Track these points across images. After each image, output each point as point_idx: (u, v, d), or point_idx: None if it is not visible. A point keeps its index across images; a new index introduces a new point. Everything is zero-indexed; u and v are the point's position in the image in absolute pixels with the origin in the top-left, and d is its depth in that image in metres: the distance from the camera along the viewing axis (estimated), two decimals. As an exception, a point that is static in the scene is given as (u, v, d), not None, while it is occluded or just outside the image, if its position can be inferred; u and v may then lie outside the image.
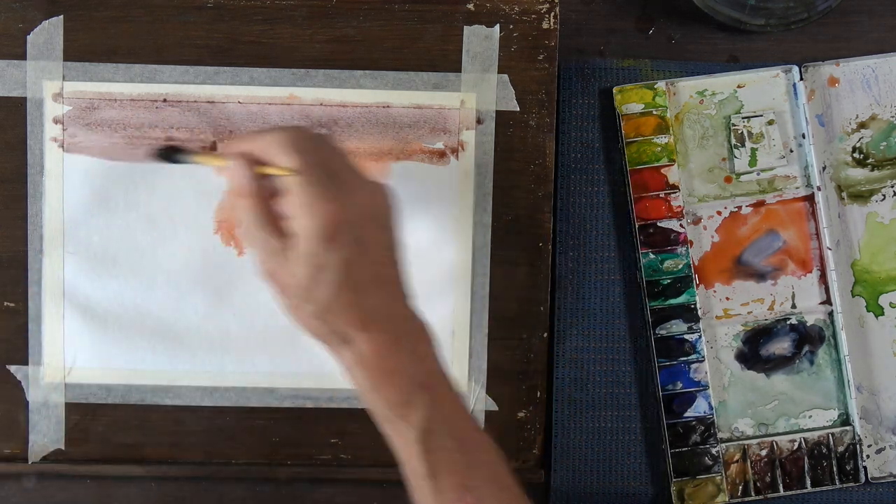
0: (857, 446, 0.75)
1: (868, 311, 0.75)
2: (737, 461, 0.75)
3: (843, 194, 0.75)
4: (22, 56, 0.72)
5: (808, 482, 0.74)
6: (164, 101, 0.72)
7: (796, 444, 0.75)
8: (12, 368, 0.73)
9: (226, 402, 0.74)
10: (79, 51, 0.72)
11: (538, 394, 0.75)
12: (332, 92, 0.73)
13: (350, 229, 0.59)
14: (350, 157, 0.62)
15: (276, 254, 0.60)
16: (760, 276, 0.75)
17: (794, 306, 0.76)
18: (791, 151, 0.75)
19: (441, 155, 0.73)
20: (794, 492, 0.75)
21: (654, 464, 0.75)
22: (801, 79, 0.75)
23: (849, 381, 0.75)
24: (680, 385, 0.75)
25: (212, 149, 0.73)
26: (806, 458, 0.75)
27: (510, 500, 0.61)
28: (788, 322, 0.76)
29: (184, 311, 0.74)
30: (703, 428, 0.74)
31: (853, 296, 0.75)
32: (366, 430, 0.74)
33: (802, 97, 0.74)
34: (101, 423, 0.74)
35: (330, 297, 0.60)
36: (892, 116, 0.75)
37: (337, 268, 0.59)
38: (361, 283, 0.60)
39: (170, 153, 0.66)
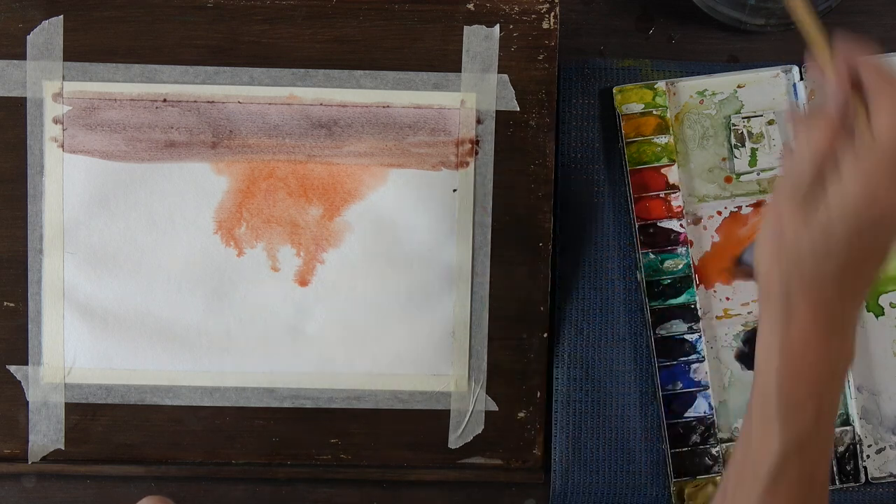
0: (857, 446, 0.75)
1: (868, 311, 0.75)
2: (737, 461, 0.75)
3: (843, 194, 0.75)
4: (22, 56, 0.72)
5: (808, 482, 0.74)
6: (164, 101, 0.72)
7: (796, 444, 0.75)
8: (12, 368, 0.73)
9: (226, 402, 0.74)
10: (79, 51, 0.72)
11: (538, 394, 0.75)
12: (332, 92, 0.73)
13: (892, 225, 0.53)
14: None
15: (801, 202, 0.54)
16: (760, 276, 0.75)
17: (794, 306, 0.75)
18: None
19: (442, 163, 0.73)
20: (794, 492, 0.75)
21: (654, 464, 0.75)
22: (801, 79, 0.75)
23: (849, 382, 0.74)
24: (680, 385, 0.75)
25: (212, 147, 0.73)
26: (806, 458, 0.75)
27: None
28: (788, 322, 0.75)
29: (184, 311, 0.74)
30: (703, 428, 0.74)
31: (853, 296, 0.75)
32: (366, 430, 0.74)
33: (802, 97, 0.74)
34: (101, 423, 0.74)
35: (815, 270, 0.54)
36: (892, 116, 0.75)
37: (847, 254, 0.53)
38: (846, 279, 0.54)
39: None
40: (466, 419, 0.75)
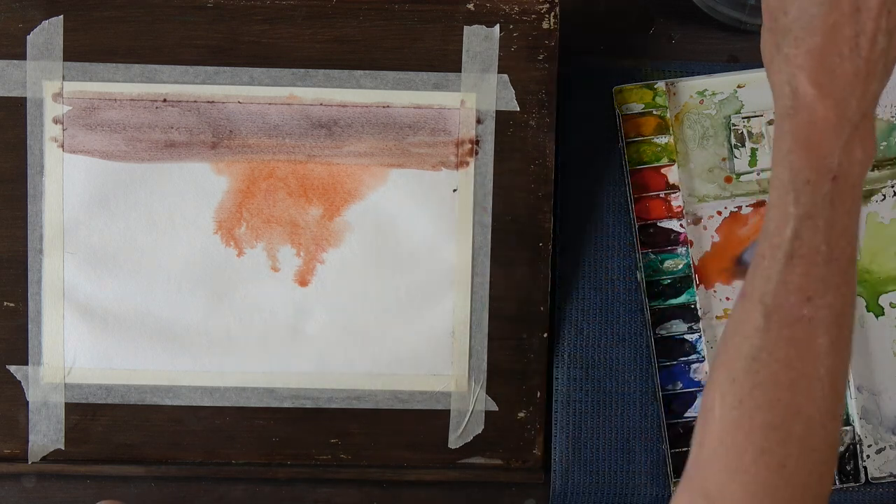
0: (857, 446, 0.75)
1: (868, 311, 0.75)
2: (737, 461, 0.75)
3: (843, 194, 0.75)
4: (22, 56, 0.72)
5: (808, 482, 0.74)
6: (164, 101, 0.72)
7: (796, 444, 0.75)
8: (12, 368, 0.73)
9: (226, 402, 0.74)
10: (79, 51, 0.72)
11: (538, 394, 0.75)
12: (332, 92, 0.73)
13: None
14: None
15: None
16: (760, 276, 0.75)
17: (794, 306, 0.75)
18: (791, 151, 0.75)
19: (442, 163, 0.73)
20: (794, 492, 0.75)
21: (654, 464, 0.75)
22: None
23: (849, 381, 0.74)
24: (680, 385, 0.75)
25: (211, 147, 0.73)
26: (806, 458, 0.75)
27: (840, 337, 0.58)
28: (788, 322, 0.75)
29: (184, 311, 0.74)
30: (703, 428, 0.74)
31: (853, 296, 0.75)
32: (366, 430, 0.74)
33: (802, 97, 0.74)
34: (101, 423, 0.74)
35: (802, 26, 0.56)
36: (892, 116, 0.75)
37: (818, 6, 0.56)
38: (839, 39, 0.56)
39: None
40: (466, 419, 0.75)
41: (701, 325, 0.75)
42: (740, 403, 0.57)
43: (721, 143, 0.75)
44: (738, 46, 0.76)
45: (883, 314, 0.75)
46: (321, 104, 0.73)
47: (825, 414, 0.57)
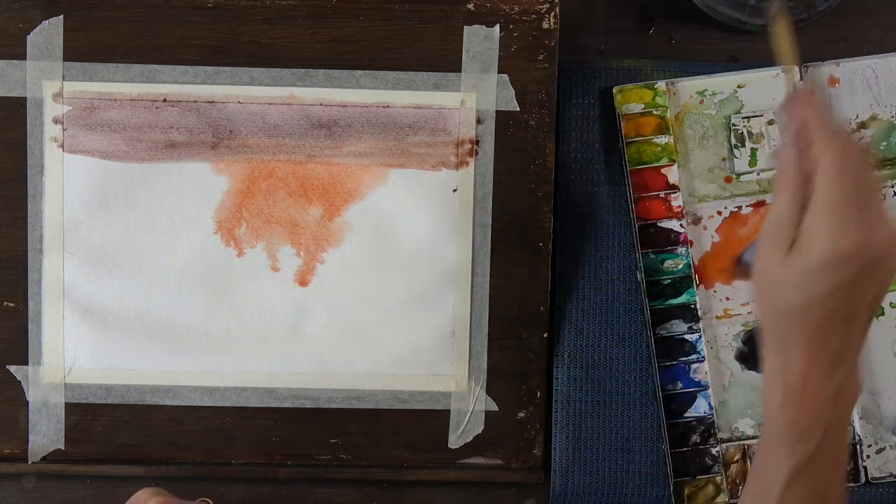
0: (858, 446, 0.75)
1: (868, 311, 0.75)
2: (737, 461, 0.75)
3: (843, 194, 0.75)
4: (22, 56, 0.72)
5: (808, 482, 0.74)
6: (164, 101, 0.72)
7: (796, 444, 0.75)
8: (12, 368, 0.73)
9: (226, 402, 0.74)
10: (79, 51, 0.72)
11: (538, 394, 0.75)
12: (332, 92, 0.73)
13: (857, 269, 0.57)
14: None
15: (779, 237, 0.58)
16: (760, 276, 0.75)
17: (794, 306, 0.75)
18: (791, 151, 0.75)
19: (442, 163, 0.73)
20: (794, 492, 0.75)
21: (654, 464, 0.75)
22: (801, 79, 0.75)
23: (849, 381, 0.74)
24: (680, 385, 0.75)
25: (212, 148, 0.73)
26: (806, 458, 0.75)
27: None
28: (788, 322, 0.75)
29: (184, 311, 0.74)
30: (703, 428, 0.74)
31: (853, 296, 0.75)
32: (366, 430, 0.74)
33: (802, 97, 0.74)
34: (101, 423, 0.74)
35: (801, 307, 0.57)
36: (893, 116, 0.75)
37: (825, 291, 0.57)
38: (835, 314, 0.58)
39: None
40: (466, 419, 0.75)
41: (701, 325, 0.75)
42: None
43: (721, 143, 0.75)
44: (738, 46, 0.76)
45: (883, 314, 0.75)
46: (321, 104, 0.73)
47: None
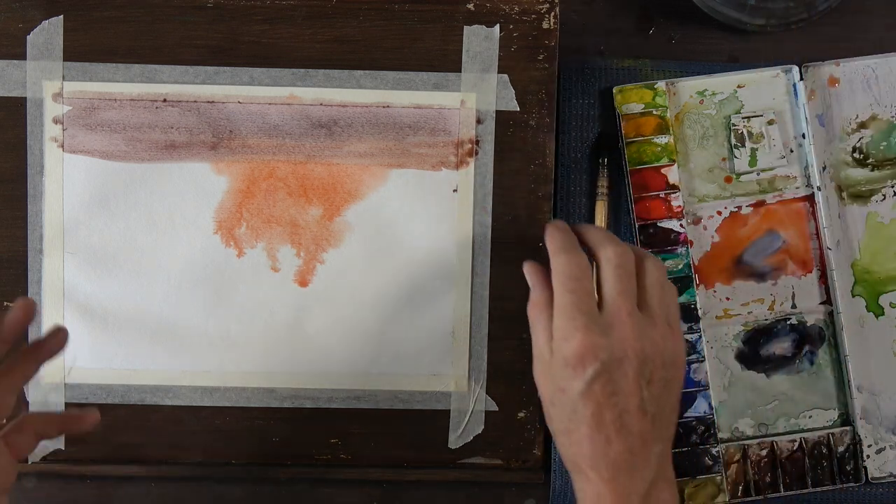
0: (857, 446, 0.75)
1: (868, 311, 0.75)
2: (737, 461, 0.75)
3: (843, 194, 0.75)
4: (22, 56, 0.72)
5: (809, 482, 0.74)
6: (164, 101, 0.72)
7: (796, 444, 0.75)
8: (12, 368, 0.73)
9: (226, 402, 0.74)
10: (79, 51, 0.72)
11: (538, 394, 0.74)
12: (332, 92, 0.73)
13: (598, 366, 0.60)
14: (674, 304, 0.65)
15: (543, 359, 0.63)
16: (760, 276, 0.75)
17: (794, 306, 0.76)
18: (791, 151, 0.75)
19: (442, 163, 0.73)
20: (794, 492, 0.75)
21: (654, 464, 0.75)
22: (801, 79, 0.75)
23: (849, 381, 0.74)
24: (680, 385, 0.75)
25: (212, 148, 0.73)
26: (806, 458, 0.75)
27: None
28: (788, 322, 0.76)
29: (184, 311, 0.74)
30: (703, 428, 0.74)
31: (853, 296, 0.75)
32: (366, 431, 0.74)
33: (802, 97, 0.74)
34: (101, 423, 0.74)
35: (567, 419, 0.61)
36: (892, 116, 0.75)
37: (577, 395, 0.60)
38: (600, 423, 0.60)
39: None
40: (466, 419, 0.75)
41: (701, 325, 0.75)
42: None
43: (721, 143, 0.75)
44: (738, 46, 0.76)
45: (883, 314, 0.75)
46: (321, 104, 0.73)
47: None
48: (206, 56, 0.72)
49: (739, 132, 0.75)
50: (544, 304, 0.64)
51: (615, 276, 0.63)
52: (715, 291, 0.75)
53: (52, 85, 0.72)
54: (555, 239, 0.65)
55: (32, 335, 0.73)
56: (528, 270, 0.66)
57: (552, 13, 0.72)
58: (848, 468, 0.75)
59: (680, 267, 0.74)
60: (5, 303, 0.73)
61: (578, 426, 0.61)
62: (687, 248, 0.75)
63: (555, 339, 0.62)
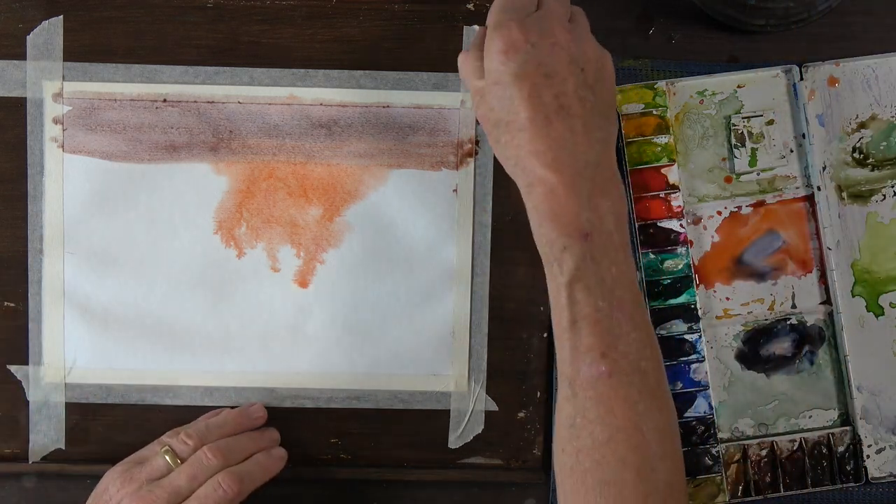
0: (857, 446, 0.75)
1: (868, 311, 0.75)
2: (737, 461, 0.75)
3: (843, 194, 0.75)
4: (22, 56, 0.72)
5: (809, 482, 0.74)
6: (164, 101, 0.72)
7: (796, 444, 0.75)
8: (12, 368, 0.73)
9: (226, 402, 0.74)
10: (79, 51, 0.72)
11: (538, 394, 0.75)
12: (332, 92, 0.73)
13: (531, 49, 0.59)
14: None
15: (478, 90, 0.62)
16: (760, 276, 0.75)
17: (794, 306, 0.76)
18: (791, 151, 0.75)
19: (442, 163, 0.73)
20: (794, 492, 0.75)
21: (654, 464, 0.75)
22: (801, 79, 0.75)
23: (849, 381, 0.74)
24: (680, 385, 0.75)
25: (212, 149, 0.73)
26: (806, 458, 0.75)
27: (644, 382, 0.60)
28: (788, 322, 0.76)
29: (184, 311, 0.74)
30: (703, 428, 0.74)
31: (853, 296, 0.75)
32: (366, 431, 0.75)
33: (802, 97, 0.74)
34: (101, 423, 0.74)
35: (506, 112, 0.60)
36: (892, 116, 0.75)
37: (511, 80, 0.59)
38: (538, 105, 0.59)
39: None
40: (466, 419, 0.75)
41: (701, 325, 0.75)
42: (571, 470, 0.60)
43: (721, 143, 0.75)
44: (738, 46, 0.76)
45: (883, 314, 0.75)
46: (321, 104, 0.73)
47: (653, 458, 0.59)
48: (206, 56, 0.72)
49: (739, 132, 0.75)
50: (477, 42, 0.64)
51: None
52: (715, 291, 0.75)
53: (52, 85, 0.72)
54: None
55: (32, 334, 0.73)
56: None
57: (552, 13, 0.72)
58: (848, 468, 0.75)
59: (680, 267, 0.74)
60: (5, 303, 0.73)
61: (517, 113, 0.60)
62: (687, 248, 0.75)
63: (487, 40, 0.61)
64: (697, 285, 0.75)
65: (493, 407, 0.75)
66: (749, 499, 0.74)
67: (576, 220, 0.60)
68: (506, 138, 0.61)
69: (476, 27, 0.73)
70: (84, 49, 0.72)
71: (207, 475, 0.67)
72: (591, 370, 0.59)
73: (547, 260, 0.61)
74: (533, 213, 0.61)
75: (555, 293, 0.61)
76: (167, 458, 0.68)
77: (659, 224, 0.74)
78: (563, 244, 0.60)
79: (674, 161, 0.74)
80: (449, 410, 0.75)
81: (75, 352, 0.73)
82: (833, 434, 0.75)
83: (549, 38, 0.60)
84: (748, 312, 0.75)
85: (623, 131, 0.74)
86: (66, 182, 0.73)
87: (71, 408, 0.74)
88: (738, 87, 0.75)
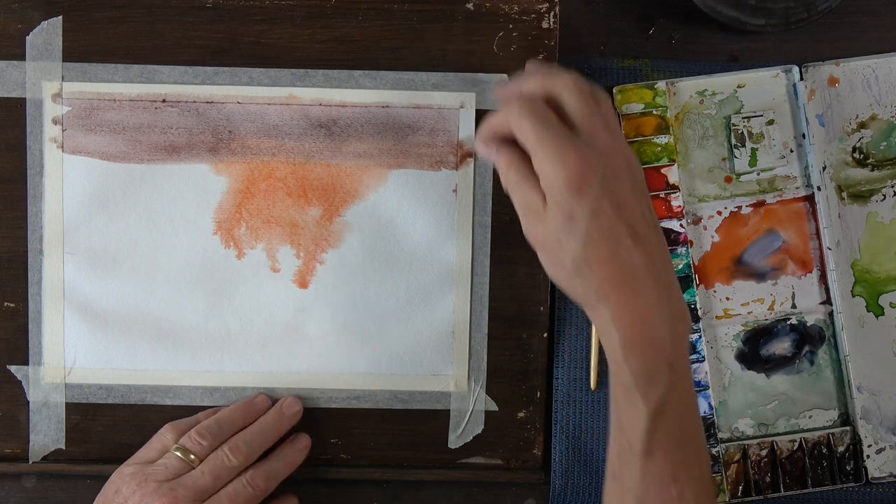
0: (857, 446, 0.75)
1: (868, 311, 0.75)
2: (737, 461, 0.75)
3: (843, 194, 0.75)
4: (21, 57, 0.72)
5: (809, 482, 0.74)
6: (164, 101, 0.72)
7: (796, 444, 0.75)
8: (12, 368, 0.74)
9: (226, 402, 0.74)
10: (78, 51, 0.72)
11: (538, 394, 0.75)
12: (332, 92, 0.73)
13: (600, 180, 0.58)
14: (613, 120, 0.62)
15: (535, 212, 0.60)
16: (760, 276, 0.75)
17: (794, 306, 0.76)
18: (791, 151, 0.75)
19: (442, 163, 0.73)
20: (794, 492, 0.75)
21: (654, 464, 0.75)
22: (801, 79, 0.75)
23: (849, 381, 0.75)
24: (680, 385, 0.75)
25: (211, 151, 0.73)
26: (806, 458, 0.75)
27: (705, 495, 0.60)
28: (788, 322, 0.76)
29: (184, 311, 0.74)
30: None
31: (853, 296, 0.75)
32: (366, 431, 0.75)
33: (802, 97, 0.74)
34: (101, 423, 0.74)
35: (583, 247, 0.58)
36: (892, 116, 0.75)
37: (588, 216, 0.58)
38: (617, 236, 0.58)
39: None
40: (466, 419, 0.75)
41: (701, 325, 0.75)
42: None
43: (721, 143, 0.75)
44: (738, 46, 0.76)
45: (883, 314, 0.75)
46: (320, 104, 0.73)
47: None
48: (206, 56, 0.72)
49: (739, 132, 0.75)
50: (518, 159, 0.62)
51: (580, 99, 0.60)
52: (715, 291, 0.75)
53: (51, 85, 0.72)
54: (501, 93, 0.63)
55: (32, 335, 0.73)
56: (485, 135, 0.64)
57: (552, 13, 0.72)
58: (848, 468, 0.75)
59: (680, 267, 0.74)
60: (5, 303, 0.73)
61: (596, 250, 0.58)
62: (687, 248, 0.75)
63: (545, 176, 0.59)
64: (697, 285, 0.75)
65: (493, 407, 0.75)
66: (749, 499, 0.74)
67: (662, 348, 0.58)
68: (585, 273, 0.59)
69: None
70: (83, 49, 0.72)
71: (231, 475, 0.68)
72: (663, 492, 0.59)
73: (628, 390, 0.59)
74: (615, 342, 0.59)
75: (631, 420, 0.59)
76: (180, 455, 0.68)
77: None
78: (649, 375, 0.58)
79: (674, 161, 0.74)
80: (449, 410, 0.75)
81: (75, 352, 0.74)
82: (833, 434, 0.75)
83: (610, 164, 0.59)
84: (748, 312, 0.75)
85: (623, 131, 0.74)
86: (65, 182, 0.73)
87: (71, 408, 0.74)
88: (738, 87, 0.75)
